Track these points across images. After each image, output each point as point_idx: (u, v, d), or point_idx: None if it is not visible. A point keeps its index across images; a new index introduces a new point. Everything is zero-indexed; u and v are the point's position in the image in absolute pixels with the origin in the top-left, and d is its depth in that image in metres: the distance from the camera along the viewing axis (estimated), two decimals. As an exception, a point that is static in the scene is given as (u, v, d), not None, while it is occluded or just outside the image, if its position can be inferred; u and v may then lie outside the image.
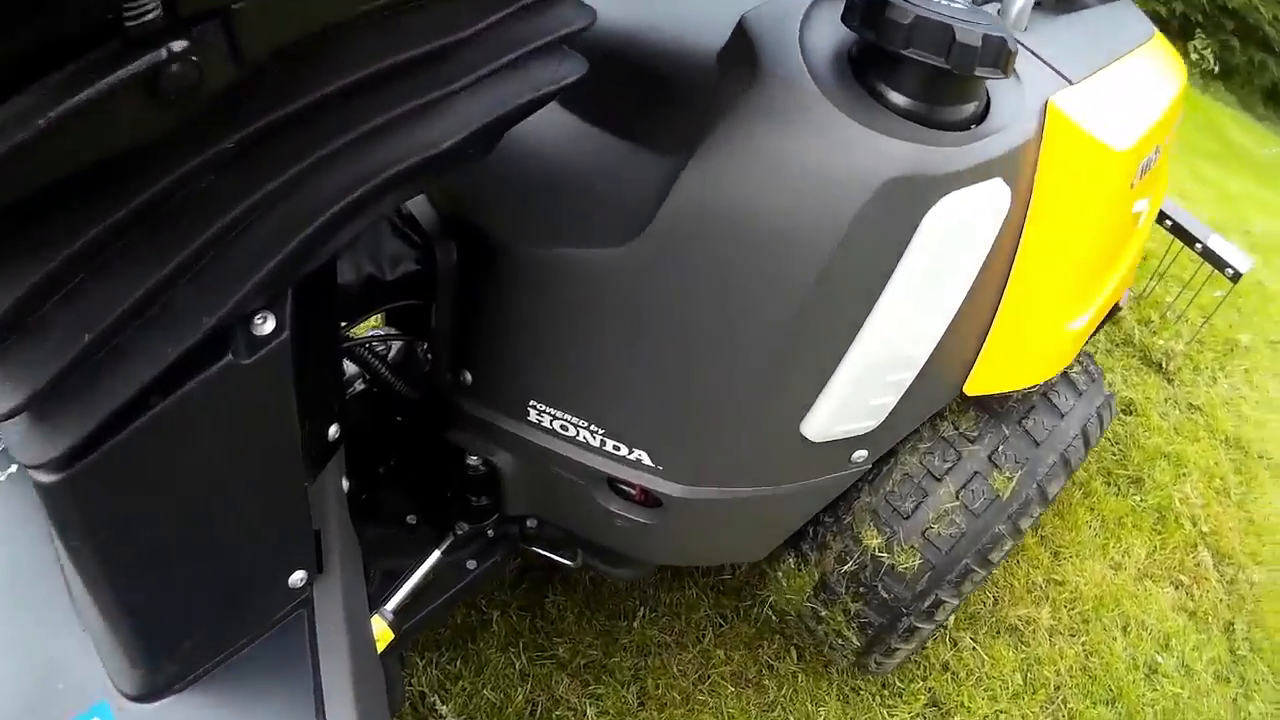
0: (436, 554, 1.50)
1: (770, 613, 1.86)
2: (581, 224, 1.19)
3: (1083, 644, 2.11)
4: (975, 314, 1.27)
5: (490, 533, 1.55)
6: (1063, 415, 1.54)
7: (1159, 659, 2.12)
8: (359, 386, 1.44)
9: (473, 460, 1.43)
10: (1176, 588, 2.32)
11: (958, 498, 1.50)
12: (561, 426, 1.30)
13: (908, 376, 1.27)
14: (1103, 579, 2.26)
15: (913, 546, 1.51)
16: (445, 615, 1.68)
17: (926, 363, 1.24)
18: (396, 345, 1.51)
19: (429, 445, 1.46)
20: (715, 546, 1.48)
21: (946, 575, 1.50)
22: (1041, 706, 1.96)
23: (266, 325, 0.66)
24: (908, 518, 1.51)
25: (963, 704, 1.92)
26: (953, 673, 1.98)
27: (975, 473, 1.51)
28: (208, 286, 0.58)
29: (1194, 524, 2.52)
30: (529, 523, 1.56)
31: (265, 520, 0.81)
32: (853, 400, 1.25)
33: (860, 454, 1.39)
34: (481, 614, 1.86)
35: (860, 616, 1.59)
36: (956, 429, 1.54)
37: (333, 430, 0.98)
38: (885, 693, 1.91)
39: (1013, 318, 1.31)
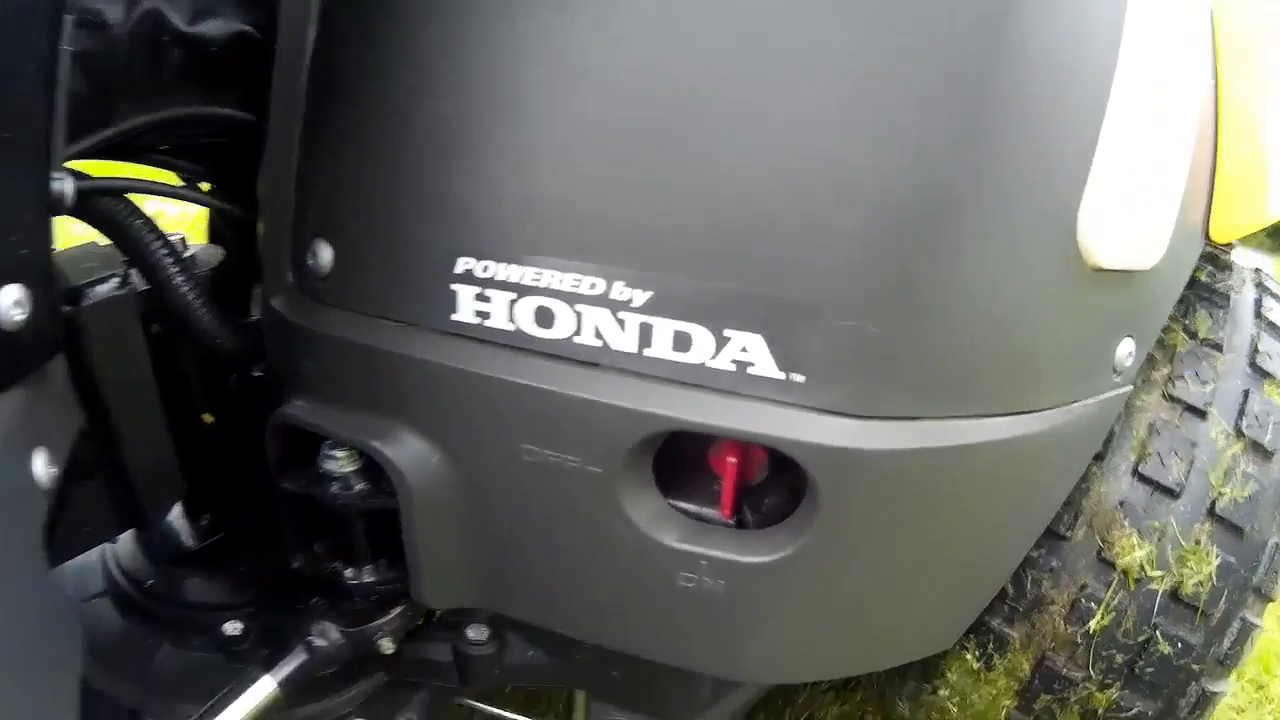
0: (264, 690, 0.69)
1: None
2: None
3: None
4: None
5: (385, 648, 0.73)
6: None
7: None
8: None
9: (335, 460, 0.68)
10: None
11: (1238, 434, 0.84)
12: (539, 314, 0.57)
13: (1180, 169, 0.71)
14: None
15: (1197, 542, 0.82)
16: None
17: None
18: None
19: (251, 451, 0.74)
20: (887, 614, 0.71)
21: (1254, 574, 0.85)
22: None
23: None
24: (1179, 493, 0.83)
25: None
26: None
27: (1245, 391, 0.88)
28: None
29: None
30: (472, 632, 0.73)
31: None
32: (1132, 185, 0.63)
33: (1126, 347, 0.73)
34: None
35: (1120, 709, 0.85)
36: (1193, 335, 0.90)
37: (8, 306, 0.50)
38: None
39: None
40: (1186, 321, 0.91)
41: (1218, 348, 0.89)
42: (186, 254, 0.80)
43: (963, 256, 0.54)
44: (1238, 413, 0.87)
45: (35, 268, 0.53)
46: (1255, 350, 0.90)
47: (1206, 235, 0.84)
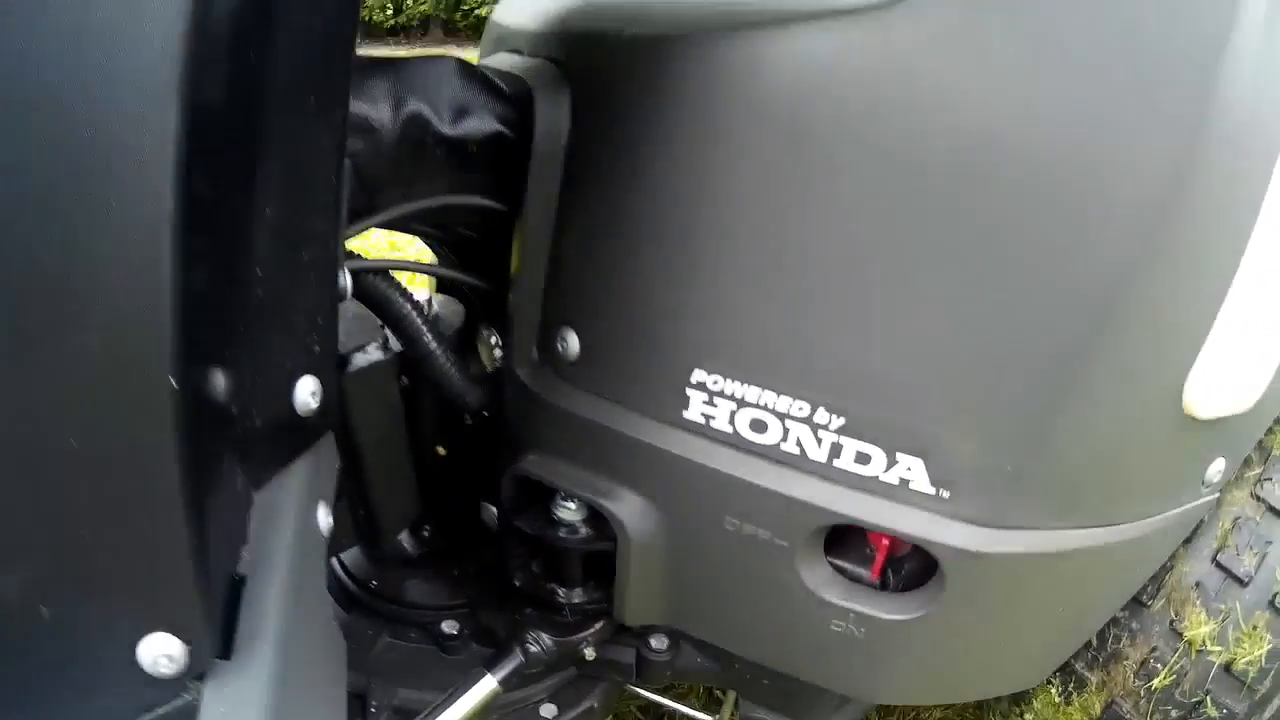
0: (486, 687, 0.86)
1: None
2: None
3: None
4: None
5: (588, 654, 0.91)
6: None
7: None
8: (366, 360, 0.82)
9: (567, 510, 0.85)
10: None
11: (1311, 540, 0.98)
12: (754, 423, 0.74)
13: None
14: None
15: (1255, 627, 0.96)
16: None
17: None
18: (437, 307, 0.97)
19: (484, 487, 0.91)
20: (990, 661, 0.89)
21: (1301, 663, 0.98)
22: None
23: None
24: (1247, 583, 0.97)
25: None
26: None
27: (1324, 500, 1.00)
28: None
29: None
30: (655, 641, 0.93)
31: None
32: (1240, 346, 0.75)
33: (1217, 466, 0.86)
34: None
35: (1173, 756, 1.00)
36: (1282, 442, 1.03)
37: (305, 396, 0.57)
38: None
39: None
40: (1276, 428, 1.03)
41: (1305, 454, 1.02)
42: (432, 314, 0.92)
43: (1087, 417, 0.70)
44: (1313, 520, 1.00)
45: (326, 359, 0.58)
46: (1338, 462, 1.03)
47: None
